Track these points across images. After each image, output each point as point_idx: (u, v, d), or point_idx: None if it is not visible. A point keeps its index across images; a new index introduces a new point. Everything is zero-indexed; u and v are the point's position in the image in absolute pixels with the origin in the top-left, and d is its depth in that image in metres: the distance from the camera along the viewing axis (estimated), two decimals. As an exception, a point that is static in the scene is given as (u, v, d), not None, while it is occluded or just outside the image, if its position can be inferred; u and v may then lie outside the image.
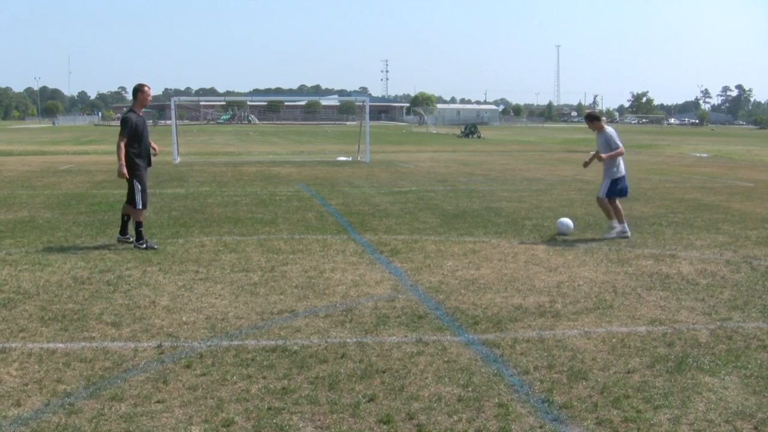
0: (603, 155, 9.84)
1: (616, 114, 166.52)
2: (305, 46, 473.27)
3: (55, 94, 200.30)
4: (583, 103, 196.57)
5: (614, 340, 5.43)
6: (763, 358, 5.06)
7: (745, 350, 5.23)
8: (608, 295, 6.75)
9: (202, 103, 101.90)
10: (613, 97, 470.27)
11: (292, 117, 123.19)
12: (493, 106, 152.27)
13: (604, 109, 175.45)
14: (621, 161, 9.98)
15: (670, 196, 14.86)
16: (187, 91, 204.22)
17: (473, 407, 4.20)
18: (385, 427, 3.95)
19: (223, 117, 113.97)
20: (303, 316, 6.01)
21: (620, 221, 9.88)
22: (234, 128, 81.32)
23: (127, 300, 6.43)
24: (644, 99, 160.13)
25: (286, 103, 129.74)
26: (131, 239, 8.98)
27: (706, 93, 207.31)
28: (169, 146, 25.24)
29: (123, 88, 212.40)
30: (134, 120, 8.81)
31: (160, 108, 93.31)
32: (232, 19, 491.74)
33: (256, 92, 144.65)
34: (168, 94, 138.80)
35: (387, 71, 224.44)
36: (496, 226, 10.72)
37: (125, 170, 8.73)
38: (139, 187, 8.85)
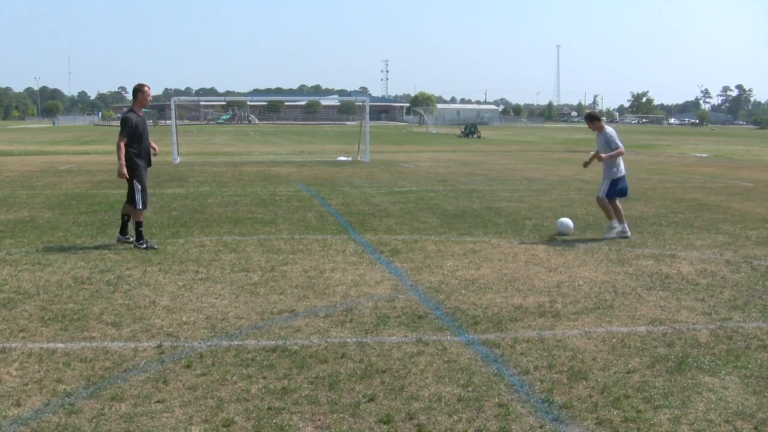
0: (603, 155, 9.84)
1: (616, 114, 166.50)
2: (305, 46, 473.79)
3: (55, 94, 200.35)
4: (583, 103, 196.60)
5: (614, 340, 5.43)
6: (764, 358, 5.06)
7: (745, 350, 5.23)
8: (608, 295, 6.75)
9: (202, 103, 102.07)
10: (613, 97, 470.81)
11: (293, 117, 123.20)
12: (493, 106, 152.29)
13: (604, 109, 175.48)
14: (621, 161, 9.98)
15: (670, 196, 14.86)
16: (187, 91, 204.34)
17: (473, 407, 4.20)
18: (385, 427, 3.95)
19: (223, 117, 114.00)
20: (303, 316, 6.01)
21: (620, 221, 9.87)
22: (234, 128, 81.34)
23: (127, 300, 6.43)
24: (644, 99, 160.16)
25: (286, 103, 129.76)
26: (131, 239, 8.98)
27: (706, 93, 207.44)
28: (169, 146, 25.24)
29: (123, 88, 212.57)
30: (134, 120, 8.81)
31: (160, 108, 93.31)
32: (232, 19, 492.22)
33: (256, 92, 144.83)
34: (168, 94, 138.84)
35: (387, 71, 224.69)
36: (496, 226, 10.72)
37: (125, 170, 8.73)
38: (139, 187, 8.85)
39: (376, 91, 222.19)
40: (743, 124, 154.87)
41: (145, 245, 8.73)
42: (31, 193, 14.65)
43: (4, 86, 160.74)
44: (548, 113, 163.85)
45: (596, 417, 4.08)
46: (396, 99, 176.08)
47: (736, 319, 6.04)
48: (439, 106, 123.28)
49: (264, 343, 5.30)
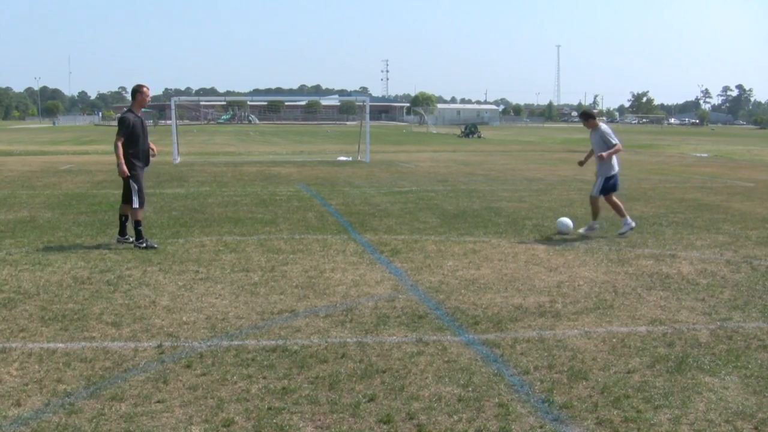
0: (603, 154, 9.84)
1: (617, 114, 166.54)
2: (305, 46, 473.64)
3: (56, 94, 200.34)
4: (583, 102, 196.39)
5: (614, 340, 5.43)
6: (764, 358, 5.06)
7: (745, 350, 5.23)
8: (608, 295, 6.75)
9: (202, 103, 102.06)
10: (613, 97, 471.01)
11: (293, 117, 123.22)
12: (494, 106, 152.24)
13: (605, 109, 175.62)
14: (615, 158, 10.03)
15: (671, 196, 14.85)
16: (187, 91, 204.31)
17: (473, 407, 4.20)
18: (385, 427, 3.95)
19: (224, 117, 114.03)
20: (303, 316, 6.01)
21: (622, 215, 9.99)
22: (234, 128, 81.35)
23: (127, 300, 6.43)
24: (644, 99, 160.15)
25: (286, 103, 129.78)
26: (131, 239, 8.99)
27: (706, 93, 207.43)
28: (170, 146, 25.25)
29: (123, 88, 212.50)
30: (132, 120, 8.82)
31: (161, 108, 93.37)
32: (232, 19, 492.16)
33: (257, 92, 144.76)
34: (168, 94, 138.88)
35: (387, 71, 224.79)
36: (496, 226, 10.72)
37: (125, 168, 8.74)
38: (136, 187, 8.86)
39: (376, 91, 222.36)
40: (743, 124, 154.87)
41: (144, 244, 8.73)
42: (31, 193, 14.65)
43: (4, 86, 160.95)
44: (548, 113, 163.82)
45: (596, 417, 4.08)
46: (396, 99, 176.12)
47: (737, 319, 6.04)
48: (440, 106, 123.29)
49: (264, 343, 5.30)
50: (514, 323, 5.85)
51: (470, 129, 57.01)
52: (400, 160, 26.35)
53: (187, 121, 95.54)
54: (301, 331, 5.58)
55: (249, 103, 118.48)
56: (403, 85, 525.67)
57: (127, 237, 9.05)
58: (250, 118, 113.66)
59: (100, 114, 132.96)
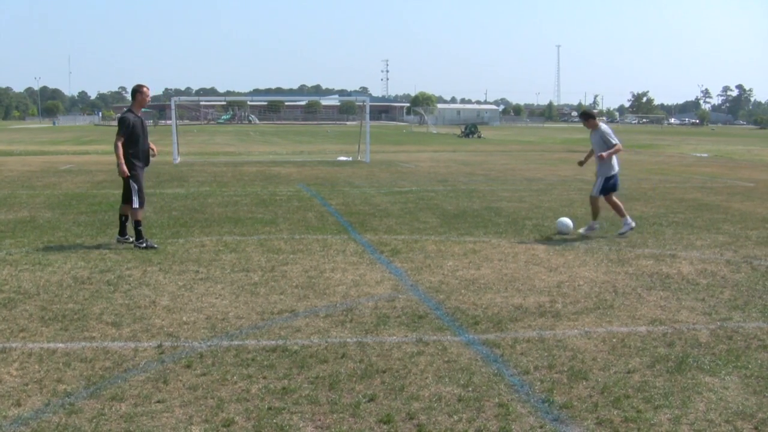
0: (603, 153, 9.84)
1: (617, 114, 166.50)
2: (305, 46, 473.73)
3: (56, 94, 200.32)
4: (583, 102, 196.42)
5: (614, 340, 5.43)
6: (764, 358, 5.06)
7: (745, 350, 5.23)
8: (608, 295, 6.75)
9: (202, 103, 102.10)
10: (613, 97, 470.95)
11: (293, 117, 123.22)
12: (494, 106, 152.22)
13: (605, 109, 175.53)
14: (615, 158, 10.03)
15: (671, 196, 14.85)
16: (187, 91, 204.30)
17: (473, 407, 4.20)
18: (385, 427, 3.95)
19: (224, 117, 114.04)
20: (303, 316, 6.01)
21: (622, 215, 10.00)
22: (234, 128, 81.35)
23: (127, 300, 6.43)
24: (644, 99, 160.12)
25: (286, 103, 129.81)
26: (131, 239, 8.99)
27: (706, 93, 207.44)
28: (170, 146, 25.25)
29: (123, 88, 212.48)
30: (131, 120, 8.83)
31: (161, 108, 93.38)
32: (232, 19, 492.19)
33: (257, 92, 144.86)
34: (168, 94, 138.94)
35: (387, 71, 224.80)
36: (496, 226, 10.72)
37: (125, 168, 8.75)
38: (136, 186, 8.87)
39: (376, 91, 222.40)
40: (744, 124, 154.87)
41: (144, 244, 8.73)
42: (31, 193, 14.65)
43: (4, 86, 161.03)
44: (548, 113, 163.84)
45: (596, 417, 4.08)
46: (396, 99, 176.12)
47: (737, 319, 6.04)
48: (440, 106, 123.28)
49: (264, 343, 5.30)
50: (514, 323, 5.85)
51: (470, 129, 57.01)
52: (400, 160, 26.35)
53: (187, 121, 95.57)
54: (301, 331, 5.58)
55: (249, 103, 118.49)
56: (403, 85, 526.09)
57: (127, 237, 9.05)
58: (250, 118, 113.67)
59: (100, 114, 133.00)
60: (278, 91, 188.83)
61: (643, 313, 6.18)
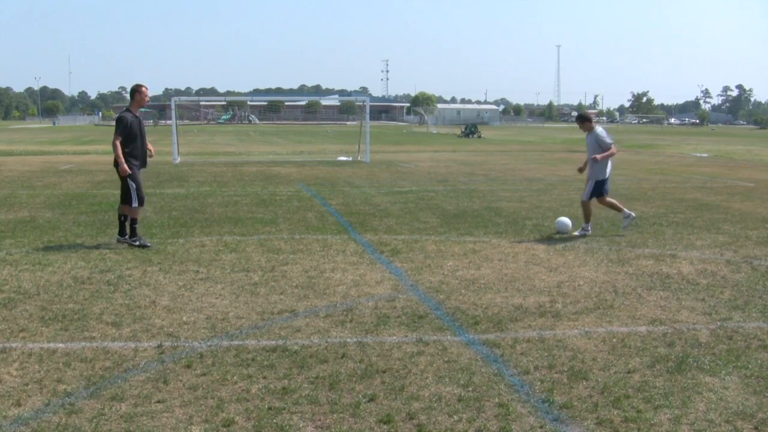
0: (597, 156, 9.84)
1: (617, 114, 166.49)
2: (305, 46, 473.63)
3: (56, 94, 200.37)
4: (583, 102, 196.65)
5: (614, 340, 5.43)
6: (764, 358, 5.06)
7: (745, 350, 5.23)
8: (608, 295, 6.75)
9: (202, 103, 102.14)
10: (613, 97, 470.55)
11: (293, 117, 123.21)
12: (494, 106, 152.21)
13: (604, 108, 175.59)
14: (608, 162, 10.03)
15: (671, 196, 14.85)
16: (187, 91, 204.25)
17: (473, 407, 4.20)
18: (385, 427, 3.95)
19: (224, 117, 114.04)
20: (303, 316, 6.01)
21: (620, 210, 10.14)
22: (234, 128, 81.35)
23: (127, 300, 6.43)
24: (644, 99, 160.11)
25: (286, 103, 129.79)
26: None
27: (706, 93, 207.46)
28: (170, 146, 25.27)
29: (123, 88, 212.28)
30: (129, 120, 8.84)
31: (161, 108, 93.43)
32: (232, 19, 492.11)
33: (257, 92, 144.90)
34: (168, 94, 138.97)
35: (387, 71, 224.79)
36: (496, 226, 10.72)
37: (126, 166, 8.76)
38: (134, 185, 8.88)
39: (377, 91, 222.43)
40: (744, 124, 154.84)
41: (138, 242, 8.75)
42: (31, 193, 14.65)
43: (4, 86, 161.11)
44: (548, 113, 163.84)
45: (596, 417, 4.08)
46: (396, 99, 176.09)
47: (737, 319, 6.04)
48: (440, 106, 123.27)
49: (264, 343, 5.30)
50: (514, 323, 5.85)
51: (470, 129, 57.01)
52: (400, 160, 26.35)
53: (187, 121, 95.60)
54: (301, 331, 5.58)
55: (249, 103, 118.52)
56: (403, 85, 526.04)
57: (126, 236, 9.05)
58: (250, 118, 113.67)
59: (100, 114, 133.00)
60: (278, 91, 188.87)
61: (643, 313, 6.18)
